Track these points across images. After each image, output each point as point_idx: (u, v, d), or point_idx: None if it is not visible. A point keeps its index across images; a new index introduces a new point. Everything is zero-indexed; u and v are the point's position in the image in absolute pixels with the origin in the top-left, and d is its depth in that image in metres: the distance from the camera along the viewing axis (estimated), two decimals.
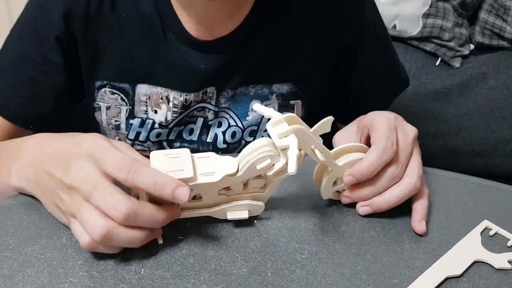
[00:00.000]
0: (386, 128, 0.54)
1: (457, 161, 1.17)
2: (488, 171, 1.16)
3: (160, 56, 0.67)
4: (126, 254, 0.46)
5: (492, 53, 1.19)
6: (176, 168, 0.45)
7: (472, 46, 1.20)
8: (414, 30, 1.15)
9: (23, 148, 0.53)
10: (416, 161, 0.55)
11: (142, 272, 0.45)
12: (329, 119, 0.48)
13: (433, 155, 1.16)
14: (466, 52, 1.17)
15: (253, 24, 0.67)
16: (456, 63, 1.16)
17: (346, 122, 0.67)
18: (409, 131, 0.56)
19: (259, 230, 0.51)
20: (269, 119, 0.48)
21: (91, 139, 0.47)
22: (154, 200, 0.45)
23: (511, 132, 1.14)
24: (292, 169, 0.43)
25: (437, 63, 1.17)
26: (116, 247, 0.45)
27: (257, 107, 0.50)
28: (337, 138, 0.62)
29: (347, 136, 0.60)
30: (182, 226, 0.50)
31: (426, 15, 1.15)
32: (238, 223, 0.51)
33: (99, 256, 0.46)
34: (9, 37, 0.69)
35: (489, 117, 1.14)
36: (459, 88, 1.15)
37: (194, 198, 0.49)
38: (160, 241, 0.48)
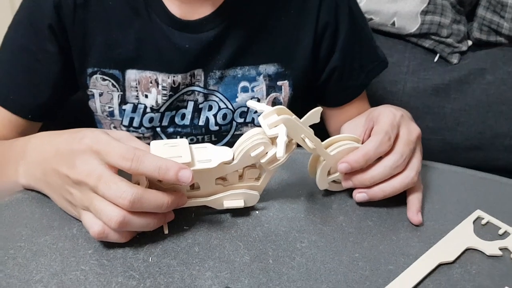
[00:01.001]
0: (388, 123, 0.56)
1: (455, 155, 1.18)
2: (486, 164, 1.18)
3: (146, 39, 0.70)
4: (134, 244, 0.49)
5: (489, 49, 1.20)
6: (175, 155, 0.47)
7: (470, 42, 1.22)
8: (412, 27, 1.17)
9: (28, 148, 0.56)
10: (417, 157, 0.57)
11: (150, 260, 0.48)
12: (318, 109, 0.50)
13: (432, 149, 1.18)
14: (464, 48, 1.19)
15: (233, 4, 0.70)
16: (454, 59, 1.18)
17: (329, 103, 0.70)
18: (413, 130, 0.59)
19: (261, 221, 0.53)
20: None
21: (93, 134, 0.49)
22: (157, 187, 0.48)
23: (508, 126, 1.15)
24: (280, 153, 0.46)
25: (436, 59, 1.18)
26: (126, 234, 0.48)
27: (251, 103, 0.53)
28: (345, 127, 0.64)
29: (355, 126, 0.62)
30: (187, 217, 0.52)
31: (425, 12, 1.16)
32: (240, 214, 0.53)
33: (108, 245, 0.48)
34: (7, 33, 0.72)
35: (486, 112, 1.16)
36: (457, 83, 1.16)
37: (192, 187, 0.51)
38: (166, 231, 0.50)
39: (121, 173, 0.46)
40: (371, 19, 1.19)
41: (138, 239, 0.49)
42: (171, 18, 0.69)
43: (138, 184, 0.47)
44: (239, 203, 0.52)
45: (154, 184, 0.49)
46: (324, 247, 0.50)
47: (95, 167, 0.46)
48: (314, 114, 0.51)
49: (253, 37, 0.72)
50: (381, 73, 0.84)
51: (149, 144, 0.50)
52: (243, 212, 0.53)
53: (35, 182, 0.54)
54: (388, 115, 0.57)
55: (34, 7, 0.70)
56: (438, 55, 1.18)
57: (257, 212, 0.54)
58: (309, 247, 0.50)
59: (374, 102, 0.84)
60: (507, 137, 1.17)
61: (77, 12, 0.68)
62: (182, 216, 0.52)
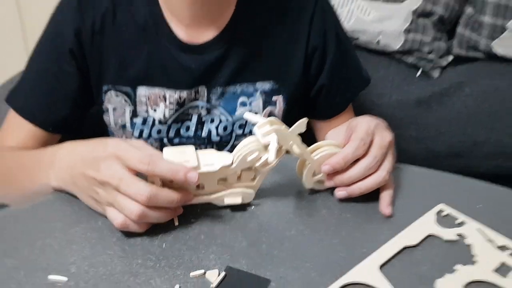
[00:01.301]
0: (364, 131, 0.66)
1: (438, 162, 1.28)
2: (467, 170, 1.27)
3: (155, 60, 0.80)
4: (150, 233, 0.58)
5: (468, 64, 1.31)
6: (184, 160, 0.57)
7: (451, 58, 1.32)
8: (396, 44, 1.28)
9: (56, 157, 0.66)
10: (388, 160, 0.66)
11: (163, 246, 0.57)
12: (304, 120, 0.60)
13: (416, 157, 1.27)
14: (445, 63, 1.30)
15: (234, 28, 0.80)
16: (435, 73, 1.28)
17: (318, 116, 0.80)
18: (386, 136, 0.68)
19: (256, 214, 0.63)
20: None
21: (115, 142, 0.59)
22: (169, 187, 0.57)
23: (486, 135, 1.25)
24: (271, 158, 0.56)
25: (418, 74, 1.29)
26: (144, 225, 0.58)
27: (247, 116, 0.63)
28: (329, 134, 0.74)
29: (337, 134, 0.72)
30: (193, 212, 0.62)
31: (407, 31, 1.27)
32: (239, 209, 0.63)
33: (128, 234, 0.58)
34: (32, 55, 0.82)
35: (465, 122, 1.25)
36: (438, 96, 1.26)
37: (198, 187, 0.61)
38: (176, 223, 0.60)
39: (138, 175, 0.56)
40: (358, 37, 1.30)
41: (153, 229, 0.59)
42: (178, 42, 0.79)
43: (153, 183, 0.57)
44: (237, 200, 0.62)
45: (166, 184, 0.58)
46: (308, 235, 0.60)
47: (118, 170, 0.56)
48: (300, 125, 0.61)
49: (251, 57, 0.82)
50: (365, 89, 0.95)
51: (161, 151, 0.60)
52: (241, 207, 0.63)
53: (65, 185, 0.64)
54: (364, 124, 0.67)
55: (56, 33, 0.80)
56: (420, 70, 1.29)
57: (252, 207, 0.64)
58: (296, 235, 0.60)
59: (362, 113, 0.94)
60: (486, 145, 1.27)
61: (95, 38, 0.79)
62: (189, 211, 0.61)
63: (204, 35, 0.80)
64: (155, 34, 0.79)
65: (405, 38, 1.27)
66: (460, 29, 1.31)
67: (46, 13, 0.83)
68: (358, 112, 0.97)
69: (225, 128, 0.86)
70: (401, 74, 1.29)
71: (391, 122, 1.30)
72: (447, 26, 1.33)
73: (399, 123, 1.26)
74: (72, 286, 0.52)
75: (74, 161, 0.62)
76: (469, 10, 1.30)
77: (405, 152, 1.09)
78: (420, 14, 1.27)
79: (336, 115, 0.93)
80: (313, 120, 0.94)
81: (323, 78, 0.88)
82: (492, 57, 1.30)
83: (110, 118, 0.85)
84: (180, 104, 0.82)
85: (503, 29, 1.26)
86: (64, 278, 0.53)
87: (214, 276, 0.54)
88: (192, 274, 0.54)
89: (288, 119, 0.70)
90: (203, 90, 0.82)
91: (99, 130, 0.88)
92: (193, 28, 0.79)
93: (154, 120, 0.83)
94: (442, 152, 1.28)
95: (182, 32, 0.79)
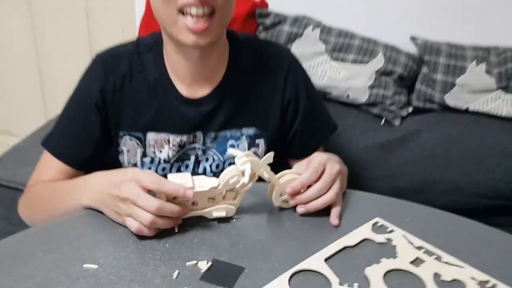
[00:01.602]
0: (317, 162, 0.87)
1: (401, 198, 1.48)
2: (426, 204, 1.48)
3: (162, 111, 1.02)
4: (157, 237, 0.79)
5: (425, 114, 1.54)
6: (183, 182, 0.79)
7: (411, 109, 1.56)
8: (363, 98, 1.51)
9: (88, 183, 0.87)
10: (336, 184, 0.87)
11: (167, 246, 0.78)
12: (271, 153, 0.82)
13: (382, 193, 1.47)
14: (405, 113, 1.53)
15: (225, 86, 1.02)
16: (397, 122, 1.51)
17: (293, 157, 1.01)
18: (335, 167, 0.89)
19: (237, 225, 0.84)
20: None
21: (133, 170, 0.81)
22: (172, 202, 0.79)
23: (441, 174, 1.46)
24: (246, 180, 0.77)
25: (382, 122, 1.51)
26: (153, 231, 0.78)
27: (230, 151, 0.84)
28: (296, 165, 0.95)
29: (301, 165, 0.92)
30: (189, 222, 0.83)
31: (372, 87, 1.51)
32: (223, 220, 0.84)
33: (141, 238, 0.79)
34: (64, 107, 1.04)
35: (423, 163, 1.46)
36: (400, 141, 1.48)
37: (193, 203, 0.82)
38: (176, 230, 0.81)
39: (150, 193, 0.77)
40: (331, 92, 1.53)
41: (160, 234, 0.79)
42: (180, 97, 1.02)
43: (161, 199, 0.79)
44: (222, 214, 0.83)
45: (170, 200, 0.79)
46: (275, 239, 0.81)
47: (135, 189, 0.78)
48: (269, 157, 0.83)
49: (238, 109, 1.05)
50: (332, 134, 1.17)
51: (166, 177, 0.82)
52: (225, 219, 0.84)
53: (94, 203, 0.85)
54: (318, 157, 0.89)
55: (85, 89, 1.03)
56: (384, 119, 1.52)
57: (234, 219, 0.85)
58: (266, 239, 0.81)
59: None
60: (441, 183, 1.47)
61: (115, 95, 1.01)
62: (186, 221, 0.82)
63: (201, 91, 1.03)
64: (163, 91, 1.02)
65: (370, 93, 1.50)
66: (418, 85, 1.55)
67: (65, 84, 1.05)
68: None
69: (217, 166, 1.07)
70: (367, 123, 1.51)
71: (359, 164, 1.54)
72: (407, 83, 1.57)
73: (367, 164, 1.48)
74: (101, 271, 0.72)
75: (102, 184, 0.83)
76: (424, 69, 1.54)
77: (372, 189, 1.28)
78: (382, 73, 1.51)
79: (308, 155, 1.14)
80: (290, 159, 1.16)
81: (296, 125, 1.10)
82: (445, 108, 1.53)
83: (124, 158, 1.06)
84: (181, 146, 1.04)
85: (453, 85, 1.50)
86: (95, 266, 0.73)
87: (204, 265, 0.74)
88: (187, 263, 0.74)
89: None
90: (199, 135, 1.04)
91: (115, 168, 1.09)
92: (192, 86, 1.02)
93: (160, 160, 1.05)
94: (404, 189, 1.48)
95: (184, 89, 1.02)
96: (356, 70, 1.51)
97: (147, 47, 1.03)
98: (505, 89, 1.48)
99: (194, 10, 0.87)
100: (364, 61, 1.52)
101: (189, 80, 1.01)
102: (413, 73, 1.56)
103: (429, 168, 1.47)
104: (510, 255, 0.80)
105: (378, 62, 1.52)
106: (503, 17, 1.56)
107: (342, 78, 1.51)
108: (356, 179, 1.47)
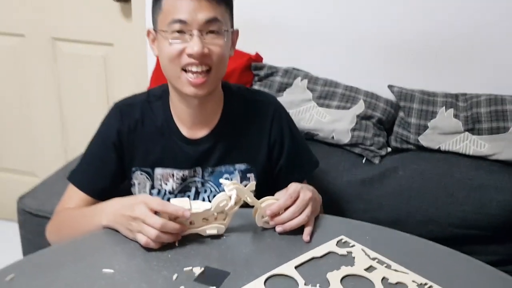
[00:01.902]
0: (292, 190, 1.07)
1: None
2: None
3: (168, 150, 1.22)
4: (161, 249, 0.98)
5: (402, 153, 1.72)
6: (182, 205, 0.98)
7: (389, 149, 1.74)
8: (345, 139, 1.70)
9: (105, 207, 1.08)
10: (308, 208, 1.06)
11: (169, 256, 0.97)
12: (253, 183, 1.02)
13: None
14: (383, 153, 1.71)
15: (220, 129, 1.23)
16: (376, 160, 1.70)
17: (280, 188, 1.21)
18: (307, 194, 1.09)
19: (226, 240, 1.03)
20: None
21: (143, 196, 1.01)
22: (173, 221, 0.98)
23: (416, 207, 1.62)
24: (232, 203, 0.97)
25: (363, 161, 1.70)
26: (158, 244, 0.97)
27: (221, 181, 1.04)
28: (277, 193, 1.14)
29: (280, 193, 1.12)
30: (187, 238, 1.02)
31: (353, 129, 1.70)
32: (215, 237, 1.03)
33: (148, 249, 0.98)
34: (87, 147, 1.25)
35: (400, 197, 1.63)
36: (379, 177, 1.66)
37: (190, 223, 1.01)
38: (177, 244, 1.00)
39: (156, 213, 0.97)
40: (317, 134, 1.73)
41: (164, 247, 0.98)
42: (183, 138, 1.22)
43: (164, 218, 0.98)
44: (214, 231, 1.02)
45: (172, 219, 0.99)
46: (257, 252, 1.00)
47: (144, 210, 0.97)
48: (251, 185, 1.03)
49: (231, 148, 1.25)
50: (315, 170, 1.36)
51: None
52: (216, 236, 1.03)
53: (111, 223, 1.04)
54: (293, 186, 1.08)
55: (105, 131, 1.24)
56: (364, 158, 1.70)
57: (224, 236, 1.04)
58: (250, 252, 1.00)
59: (321, 190, 1.28)
60: (417, 214, 1.63)
61: (129, 136, 1.23)
62: (184, 237, 1.01)
63: (200, 133, 1.23)
64: (168, 133, 1.23)
65: (352, 134, 1.70)
66: (395, 128, 1.74)
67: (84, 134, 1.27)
68: (317, 189, 1.30)
69: (214, 197, 1.26)
70: (350, 161, 1.69)
71: (343, 197, 1.72)
72: (385, 126, 1.77)
73: (349, 198, 1.65)
74: (116, 274, 0.92)
75: (117, 208, 1.03)
76: (401, 114, 1.74)
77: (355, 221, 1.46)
78: (363, 117, 1.72)
79: None
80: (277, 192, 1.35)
81: (282, 162, 1.30)
82: (419, 148, 1.71)
83: (136, 190, 1.26)
84: (183, 179, 1.24)
85: (426, 127, 1.69)
86: (112, 270, 0.92)
87: (197, 270, 0.93)
88: (185, 269, 0.93)
89: (260, 191, 1.11)
90: (199, 170, 1.25)
91: None
92: (193, 129, 1.23)
93: (165, 191, 1.25)
94: (384, 221, 1.63)
95: (186, 131, 1.23)
96: (340, 115, 1.71)
97: (156, 97, 1.25)
98: (471, 131, 1.67)
99: (194, 68, 1.09)
100: (346, 107, 1.72)
101: (190, 124, 1.22)
102: (391, 117, 1.76)
103: (405, 201, 1.63)
104: (457, 268, 0.99)
105: (359, 107, 1.72)
106: (470, 68, 1.77)
107: (327, 122, 1.71)
108: (340, 211, 1.65)
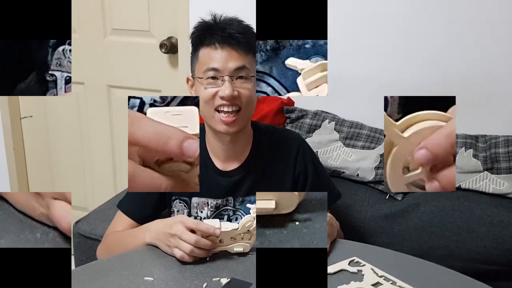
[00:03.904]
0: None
1: None
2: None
3: (204, 181, 1.35)
4: (194, 263, 1.13)
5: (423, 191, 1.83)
6: (213, 224, 1.14)
7: None
8: (370, 176, 1.83)
9: (147, 227, 1.24)
10: (334, 230, 1.21)
11: (201, 268, 1.12)
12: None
13: None
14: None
15: (250, 162, 1.38)
16: (399, 197, 1.80)
17: None
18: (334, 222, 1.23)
19: (250, 257, 1.17)
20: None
21: (180, 216, 1.18)
22: (205, 239, 1.14)
23: (437, 242, 1.70)
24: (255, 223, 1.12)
25: (387, 197, 1.82)
26: (192, 258, 1.13)
27: (249, 206, 1.20)
28: None
29: None
30: (217, 254, 1.17)
31: (377, 167, 1.83)
32: (241, 254, 1.18)
33: (184, 263, 1.13)
34: None
35: (421, 232, 1.72)
36: (401, 213, 1.76)
37: (220, 241, 1.16)
38: (207, 259, 1.15)
39: (191, 231, 1.13)
40: (344, 172, 1.87)
41: (196, 261, 1.14)
42: (217, 170, 1.39)
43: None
44: (240, 249, 1.17)
45: (204, 237, 1.14)
46: None
47: (181, 228, 1.14)
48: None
49: (259, 179, 1.40)
50: (337, 201, 1.49)
51: None
52: (242, 254, 1.18)
53: (152, 240, 1.21)
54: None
55: None
56: (388, 194, 1.82)
57: (249, 254, 1.18)
58: None
59: (346, 224, 1.42)
60: (438, 249, 1.71)
61: None
62: (214, 254, 1.16)
63: (231, 166, 1.40)
64: (204, 166, 1.40)
65: (376, 172, 1.83)
66: None
67: None
68: (343, 223, 1.44)
69: None
70: (374, 197, 1.81)
71: (367, 231, 1.84)
72: None
73: (373, 232, 1.76)
74: (155, 282, 1.08)
75: (158, 227, 1.20)
76: None
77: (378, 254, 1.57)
78: None
79: None
80: None
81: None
82: None
83: None
84: (217, 207, 1.40)
85: None
86: (151, 278, 1.08)
87: (224, 281, 1.08)
88: (213, 279, 1.08)
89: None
90: (231, 199, 1.40)
91: None
92: (225, 162, 1.40)
93: (201, 218, 1.41)
94: (406, 253, 1.75)
95: (219, 164, 1.40)
96: (365, 154, 1.84)
97: None
98: (490, 170, 1.76)
99: (226, 108, 1.27)
100: (371, 147, 1.86)
101: (223, 158, 1.39)
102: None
103: (426, 236, 1.72)
104: None
105: (383, 147, 1.85)
106: (489, 111, 1.88)
107: (353, 161, 1.84)
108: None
